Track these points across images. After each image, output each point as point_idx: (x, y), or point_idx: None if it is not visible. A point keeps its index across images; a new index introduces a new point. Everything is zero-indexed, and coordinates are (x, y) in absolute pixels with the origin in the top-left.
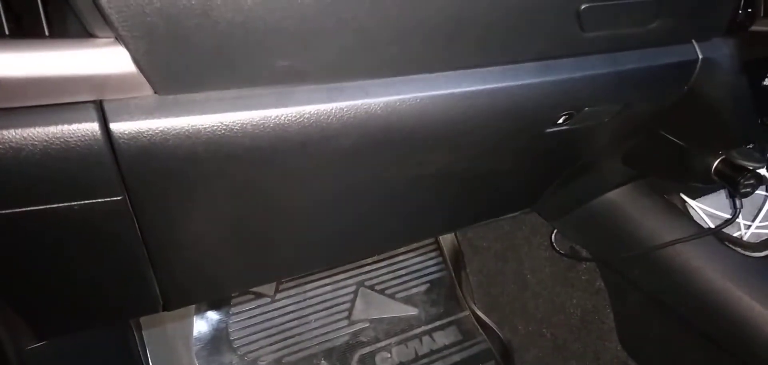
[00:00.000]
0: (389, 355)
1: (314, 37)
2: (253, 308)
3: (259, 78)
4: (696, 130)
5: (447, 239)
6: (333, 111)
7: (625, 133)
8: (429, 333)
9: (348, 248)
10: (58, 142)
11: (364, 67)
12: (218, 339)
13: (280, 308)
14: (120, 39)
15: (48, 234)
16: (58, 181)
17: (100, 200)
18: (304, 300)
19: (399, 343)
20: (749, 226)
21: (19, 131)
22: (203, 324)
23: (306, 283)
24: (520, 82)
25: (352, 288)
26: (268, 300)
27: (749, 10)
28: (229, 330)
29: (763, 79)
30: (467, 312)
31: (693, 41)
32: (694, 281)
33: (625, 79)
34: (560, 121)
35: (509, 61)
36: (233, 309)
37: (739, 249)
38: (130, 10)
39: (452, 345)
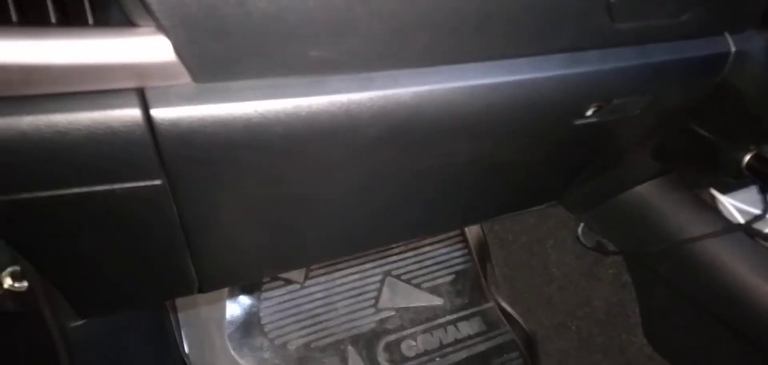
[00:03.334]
0: (414, 343)
1: (346, 28)
2: (284, 294)
3: (292, 67)
4: (727, 124)
5: (473, 231)
6: (363, 100)
7: (655, 126)
8: (454, 322)
9: (374, 234)
10: (102, 127)
11: (394, 57)
12: (249, 323)
13: (309, 294)
14: (161, 29)
15: (91, 216)
16: (101, 165)
17: (140, 183)
18: (333, 287)
19: (424, 332)
20: None
21: (65, 115)
22: (235, 307)
23: (334, 271)
24: (548, 74)
25: (379, 277)
26: (298, 286)
27: None
28: (261, 314)
29: None
30: (492, 304)
31: (726, 33)
32: (722, 276)
33: (656, 72)
34: (589, 113)
35: (538, 52)
36: (264, 295)
37: None
38: (171, 1)
39: (477, 335)
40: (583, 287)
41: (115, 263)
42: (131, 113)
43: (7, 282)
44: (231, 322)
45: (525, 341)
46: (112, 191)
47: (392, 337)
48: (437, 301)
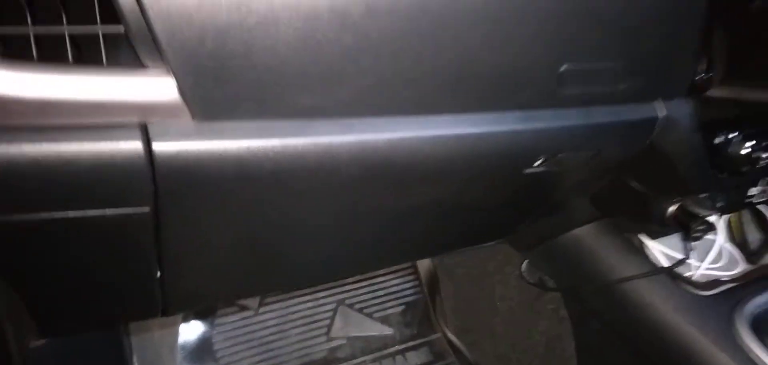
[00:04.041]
0: None
1: (334, 79)
2: (237, 320)
3: (284, 111)
4: (656, 178)
5: (424, 264)
6: (343, 143)
7: (594, 177)
8: (402, 352)
9: (341, 265)
10: (106, 157)
11: (373, 106)
12: (202, 349)
13: (262, 321)
14: (170, 72)
15: (76, 238)
16: (99, 191)
17: (129, 210)
18: (286, 314)
19: (374, 361)
20: (699, 267)
21: (74, 145)
22: (189, 333)
23: (288, 298)
24: (505, 128)
25: (332, 306)
26: (252, 312)
27: (707, 76)
28: (213, 340)
29: (716, 138)
30: (439, 335)
31: (656, 101)
32: (647, 314)
33: (596, 131)
34: (537, 164)
35: (496, 109)
36: (218, 321)
37: (689, 288)
38: (185, 51)
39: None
40: (525, 320)
41: (88, 283)
42: (134, 146)
43: None
44: (183, 347)
45: None
46: (103, 216)
47: None
48: (387, 331)
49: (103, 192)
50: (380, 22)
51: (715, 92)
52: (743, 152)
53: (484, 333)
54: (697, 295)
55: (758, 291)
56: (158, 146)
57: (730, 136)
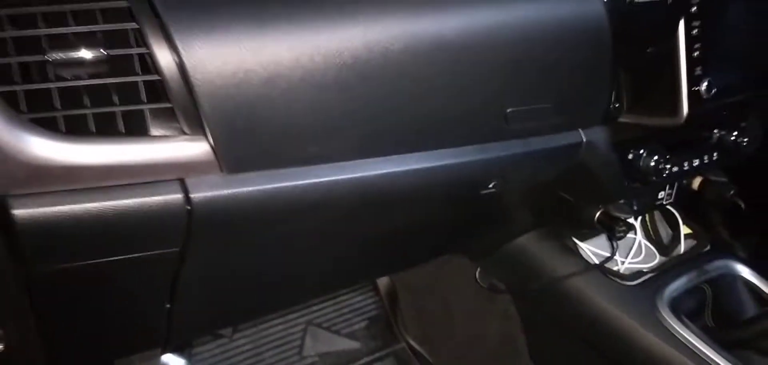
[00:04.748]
0: None
1: (336, 133)
2: (214, 348)
3: (294, 160)
4: (583, 190)
5: (382, 280)
6: (341, 181)
7: (533, 192)
8: (370, 363)
9: (325, 284)
10: (153, 208)
11: (364, 151)
12: None
13: (237, 347)
14: (207, 137)
15: (106, 278)
16: (143, 236)
17: (161, 251)
18: (260, 338)
19: None
20: (624, 262)
21: (127, 200)
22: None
23: (260, 323)
24: (465, 159)
25: (302, 326)
26: (226, 340)
27: (617, 107)
28: None
29: (628, 155)
30: (402, 344)
31: (579, 129)
32: (584, 306)
33: (534, 156)
34: (490, 185)
35: (459, 144)
36: (195, 350)
37: (617, 280)
38: (223, 121)
39: None
40: (480, 323)
41: (103, 318)
42: (175, 198)
43: None
44: None
45: None
46: (139, 257)
47: None
48: (355, 345)
49: (145, 237)
50: (372, 87)
51: (624, 119)
52: (651, 164)
53: (443, 338)
54: (624, 285)
55: (673, 278)
56: (196, 196)
57: (640, 152)
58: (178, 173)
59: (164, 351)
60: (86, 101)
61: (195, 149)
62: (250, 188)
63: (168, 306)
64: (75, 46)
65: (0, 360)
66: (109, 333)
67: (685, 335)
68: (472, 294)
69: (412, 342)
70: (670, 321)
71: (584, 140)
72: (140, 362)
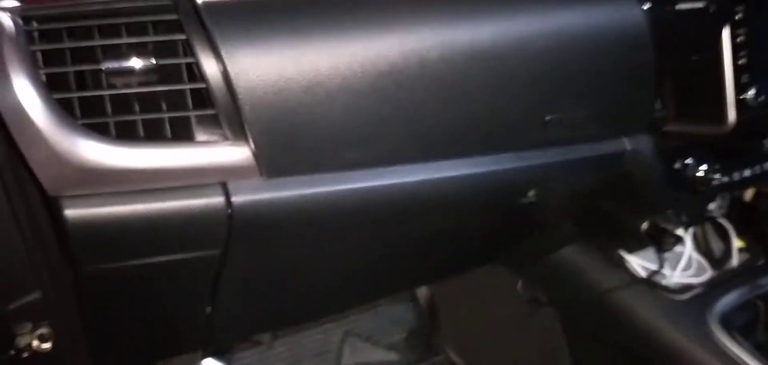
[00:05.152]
0: None
1: (374, 139)
2: (253, 355)
3: (332, 166)
4: (628, 201)
5: (422, 292)
6: (377, 187)
7: (576, 202)
8: None
9: (363, 292)
10: (196, 210)
11: (402, 157)
12: None
13: (276, 354)
14: (248, 142)
15: (150, 279)
16: (186, 238)
17: (204, 253)
18: (298, 346)
19: None
20: (672, 275)
21: (172, 203)
22: None
23: (299, 331)
24: (504, 167)
25: (340, 336)
26: (265, 347)
27: (662, 115)
28: None
29: (675, 164)
30: (442, 357)
31: (623, 137)
32: (631, 321)
33: (576, 164)
34: (530, 194)
35: (498, 152)
36: (236, 356)
37: (665, 294)
38: (264, 127)
39: None
40: (522, 336)
41: (146, 320)
42: (218, 200)
43: (35, 344)
44: None
45: None
46: (184, 259)
47: None
48: (393, 357)
49: (188, 239)
50: (409, 95)
51: (670, 127)
52: (699, 174)
53: (483, 351)
54: (673, 300)
55: (725, 293)
56: (236, 200)
57: (687, 161)
58: (220, 177)
59: (205, 355)
60: (136, 107)
61: (237, 154)
62: (290, 193)
63: (208, 308)
64: (127, 56)
65: (47, 358)
66: (152, 334)
67: (737, 351)
68: (513, 306)
69: (452, 355)
70: (720, 336)
71: (628, 148)
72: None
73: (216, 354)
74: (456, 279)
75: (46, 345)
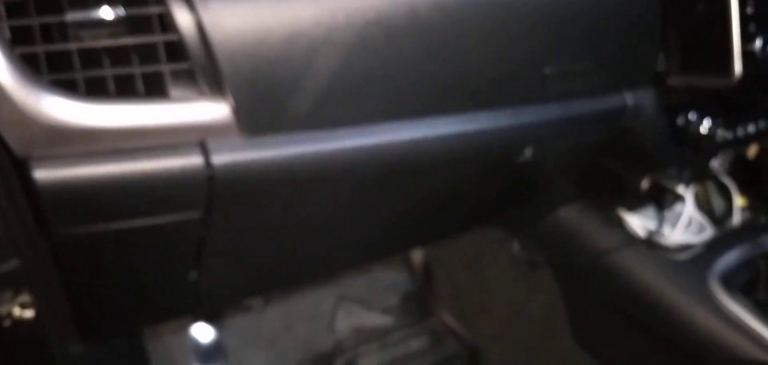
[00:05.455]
0: (369, 360)
1: (360, 94)
2: (245, 320)
3: (316, 123)
4: (629, 158)
5: (416, 255)
6: (365, 146)
7: (575, 161)
8: (404, 339)
9: (353, 255)
10: (174, 171)
11: (390, 114)
12: (213, 350)
13: (268, 319)
14: (227, 98)
15: (131, 244)
16: (164, 200)
17: (184, 215)
18: (291, 310)
19: (378, 349)
20: (672, 234)
21: (147, 163)
22: (199, 335)
23: (291, 296)
24: (500, 124)
25: (333, 301)
26: (258, 312)
27: (666, 67)
28: (224, 340)
29: (678, 119)
30: (437, 319)
31: (625, 91)
32: (630, 281)
33: (575, 121)
34: (526, 153)
35: (493, 108)
36: (227, 322)
37: (665, 254)
38: (243, 81)
39: (425, 349)
40: (518, 298)
41: (131, 287)
42: (196, 160)
43: (16, 312)
44: (196, 350)
45: (468, 352)
46: (163, 222)
47: (348, 355)
48: (388, 320)
49: (166, 201)
50: (398, 46)
51: (674, 81)
52: (702, 130)
53: (480, 314)
54: (673, 259)
55: (725, 252)
56: (217, 159)
57: (691, 117)
58: (198, 136)
59: (194, 321)
60: (106, 62)
61: (215, 110)
62: (273, 152)
63: (194, 274)
64: (94, 6)
65: (30, 326)
66: (136, 300)
67: (737, 311)
68: (510, 268)
69: (448, 318)
70: (720, 296)
71: (630, 103)
72: (171, 333)
73: (207, 320)
74: (451, 241)
75: (29, 313)
